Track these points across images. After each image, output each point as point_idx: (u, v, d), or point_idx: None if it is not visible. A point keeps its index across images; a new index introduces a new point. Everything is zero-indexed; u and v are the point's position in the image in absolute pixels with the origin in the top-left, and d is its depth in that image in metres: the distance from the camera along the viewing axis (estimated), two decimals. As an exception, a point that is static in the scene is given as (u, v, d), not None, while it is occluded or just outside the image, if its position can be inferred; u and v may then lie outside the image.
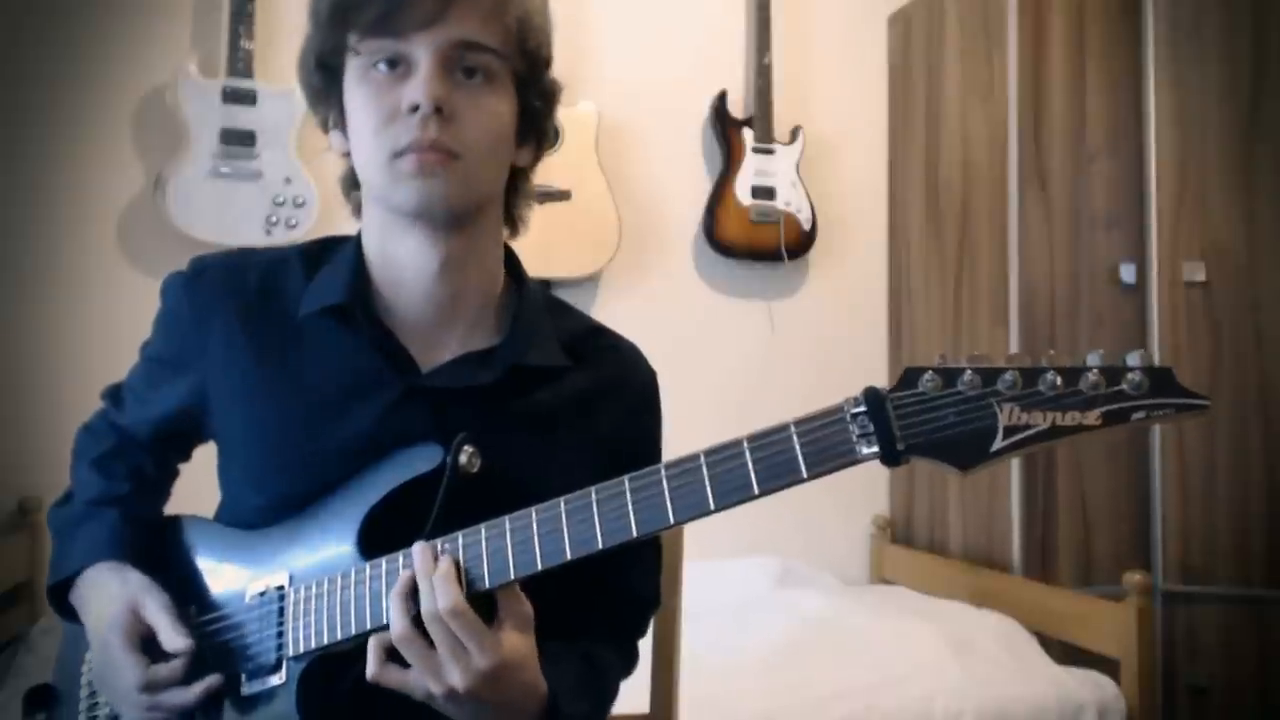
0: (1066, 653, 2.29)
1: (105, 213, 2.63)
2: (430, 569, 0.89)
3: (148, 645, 1.01)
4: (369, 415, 1.02)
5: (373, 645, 0.91)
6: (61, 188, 2.59)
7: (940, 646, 2.24)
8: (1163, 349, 2.62)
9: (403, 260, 1.03)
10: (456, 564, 0.89)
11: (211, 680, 0.98)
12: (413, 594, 0.89)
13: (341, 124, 1.03)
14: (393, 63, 0.97)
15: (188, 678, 0.99)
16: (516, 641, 0.90)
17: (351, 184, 1.09)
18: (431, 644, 0.88)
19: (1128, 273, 2.66)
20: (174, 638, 0.99)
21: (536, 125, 1.07)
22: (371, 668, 0.90)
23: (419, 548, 0.91)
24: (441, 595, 0.87)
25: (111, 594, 1.04)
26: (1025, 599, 2.46)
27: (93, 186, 2.62)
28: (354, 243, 1.08)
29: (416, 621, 0.88)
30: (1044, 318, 2.66)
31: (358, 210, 1.09)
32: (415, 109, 0.95)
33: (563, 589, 0.95)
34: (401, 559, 0.93)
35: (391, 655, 0.90)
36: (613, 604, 1.12)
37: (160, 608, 1.01)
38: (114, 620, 1.01)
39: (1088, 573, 2.61)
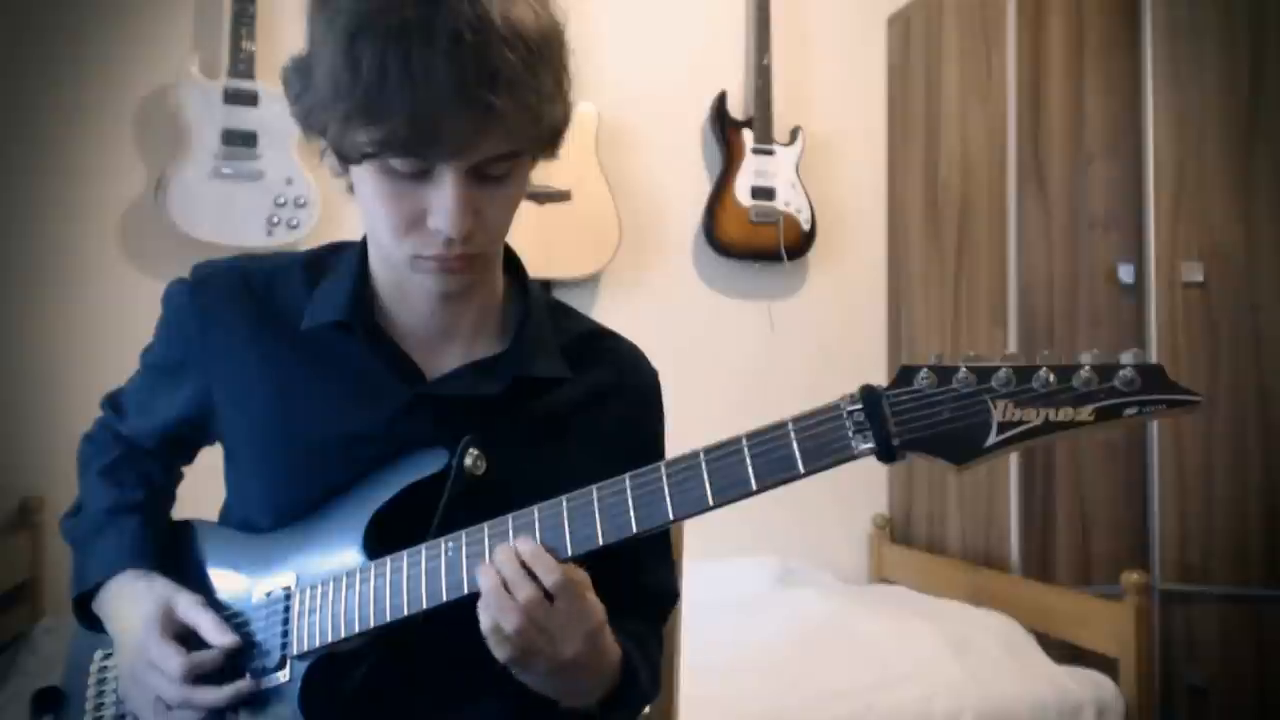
0: (1065, 652, 2.29)
1: (106, 213, 2.63)
2: (514, 560, 0.88)
3: (183, 642, 1.00)
4: (374, 422, 1.02)
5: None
6: (62, 188, 2.60)
7: (939, 646, 2.25)
8: (1161, 349, 2.63)
9: (406, 286, 1.03)
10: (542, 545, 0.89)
11: (242, 684, 0.98)
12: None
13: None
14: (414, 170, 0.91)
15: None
16: (596, 602, 0.92)
17: None
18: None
19: (1126, 273, 2.67)
20: (220, 634, 0.99)
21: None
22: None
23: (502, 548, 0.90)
24: (548, 574, 0.87)
25: (140, 598, 1.04)
26: (1024, 598, 2.46)
27: (94, 187, 2.62)
28: (357, 253, 1.08)
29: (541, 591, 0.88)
30: (1043, 318, 2.67)
31: None
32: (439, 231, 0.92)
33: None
34: (406, 558, 0.94)
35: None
36: (638, 598, 1.12)
37: (197, 606, 1.02)
38: (149, 618, 1.01)
39: (1086, 572, 2.62)
